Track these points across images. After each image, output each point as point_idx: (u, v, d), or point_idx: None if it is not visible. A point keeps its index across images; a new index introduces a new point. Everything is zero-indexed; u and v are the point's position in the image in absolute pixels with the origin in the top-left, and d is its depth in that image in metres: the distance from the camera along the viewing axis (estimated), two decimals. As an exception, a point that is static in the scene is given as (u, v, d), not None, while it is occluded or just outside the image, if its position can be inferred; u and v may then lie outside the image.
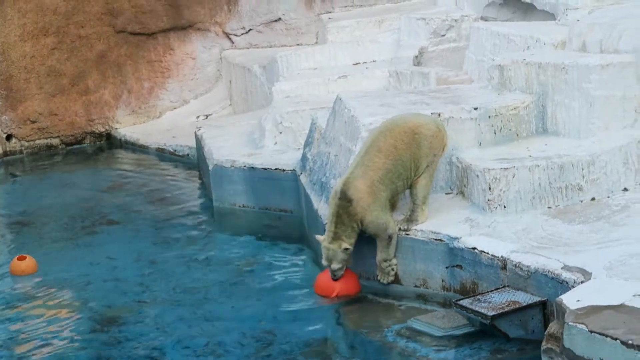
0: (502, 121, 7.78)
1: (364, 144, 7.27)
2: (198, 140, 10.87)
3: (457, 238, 6.89)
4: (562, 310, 5.47)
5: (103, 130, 13.00)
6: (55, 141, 12.81)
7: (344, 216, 6.98)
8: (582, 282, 5.86)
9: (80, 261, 8.57)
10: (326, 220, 7.15)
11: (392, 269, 7.14)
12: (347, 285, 7.23)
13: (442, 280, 7.02)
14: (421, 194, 7.18)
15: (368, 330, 6.76)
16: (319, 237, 7.16)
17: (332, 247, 7.03)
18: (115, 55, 12.87)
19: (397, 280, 7.23)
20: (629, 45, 7.68)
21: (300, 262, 8.21)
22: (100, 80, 12.83)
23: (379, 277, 7.19)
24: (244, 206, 9.56)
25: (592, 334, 5.12)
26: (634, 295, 5.44)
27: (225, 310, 7.28)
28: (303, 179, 8.73)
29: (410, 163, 7.11)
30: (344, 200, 6.96)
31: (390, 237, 7.04)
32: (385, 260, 7.12)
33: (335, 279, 7.15)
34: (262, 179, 9.36)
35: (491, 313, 6.14)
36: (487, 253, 6.63)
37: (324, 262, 7.13)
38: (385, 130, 7.17)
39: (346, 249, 7.02)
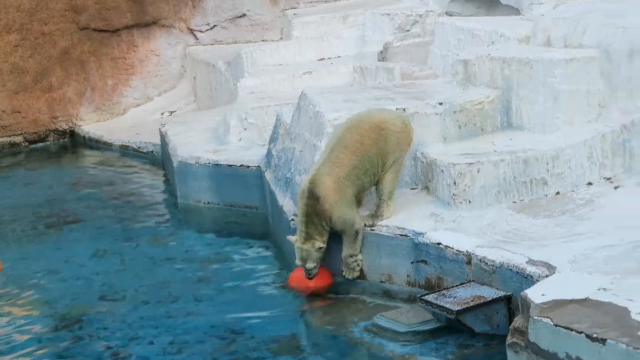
0: (466, 116, 7.77)
1: (329, 141, 7.24)
2: (162, 137, 10.82)
3: (422, 233, 6.87)
4: (527, 304, 5.45)
5: (66, 127, 12.90)
6: (18, 139, 12.70)
7: (313, 215, 6.95)
8: (546, 276, 5.85)
9: (44, 259, 8.49)
10: (297, 220, 7.11)
11: (358, 265, 7.11)
12: (322, 279, 7.21)
13: (407, 276, 6.99)
14: (387, 190, 7.16)
15: (334, 327, 6.73)
16: (291, 238, 7.12)
17: (306, 247, 7.00)
18: (79, 52, 12.76)
19: (362, 276, 7.20)
20: (593, 40, 7.70)
21: (266, 259, 8.17)
22: (63, 78, 12.73)
23: (344, 273, 7.16)
24: (208, 203, 9.49)
25: (557, 327, 5.11)
26: (599, 289, 5.45)
27: (190, 308, 7.23)
28: (268, 175, 8.69)
29: (377, 159, 7.08)
30: (312, 198, 6.93)
31: (356, 233, 7.02)
32: (352, 256, 7.09)
33: (310, 277, 7.12)
34: (226, 175, 9.29)
35: (456, 308, 6.13)
36: (452, 248, 6.61)
37: (298, 262, 7.08)
38: (352, 127, 7.14)
39: (320, 248, 7.00)
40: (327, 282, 7.22)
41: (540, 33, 8.26)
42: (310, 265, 7.04)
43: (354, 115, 7.33)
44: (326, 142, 7.34)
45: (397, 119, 7.22)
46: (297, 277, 7.26)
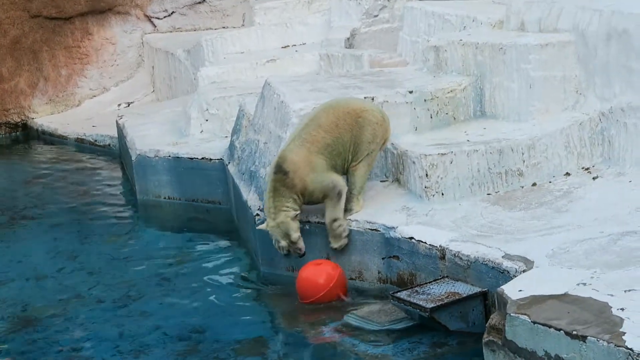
0: (438, 105, 7.78)
1: (301, 121, 7.19)
2: (120, 130, 10.80)
3: (393, 227, 6.80)
4: (503, 301, 5.38)
5: (19, 120, 12.91)
6: (-33, 133, 12.80)
7: (281, 189, 6.84)
8: (524, 271, 5.78)
9: (-5, 259, 8.46)
10: (264, 201, 6.98)
11: (344, 230, 6.96)
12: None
13: (379, 272, 6.91)
14: (358, 184, 7.10)
15: (302, 327, 6.64)
16: (262, 226, 7.01)
17: (280, 220, 6.86)
18: (31, 41, 12.72)
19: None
20: (568, 24, 7.68)
21: (230, 256, 8.11)
22: (14, 68, 12.69)
23: (331, 244, 6.99)
24: (169, 198, 9.47)
25: (535, 324, 5.05)
26: (578, 284, 5.38)
27: (152, 308, 7.14)
28: (231, 168, 8.62)
29: (350, 145, 7.03)
30: (280, 173, 6.85)
31: (339, 194, 6.92)
32: (335, 220, 6.94)
33: (301, 252, 6.94)
34: (188, 169, 9.25)
35: (430, 305, 6.05)
36: (425, 243, 6.54)
37: (282, 243, 6.92)
38: (328, 108, 7.12)
39: (295, 215, 6.87)
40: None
41: (513, 17, 8.25)
42: (294, 235, 6.88)
43: (332, 99, 7.33)
44: (297, 125, 7.27)
45: (377, 111, 7.19)
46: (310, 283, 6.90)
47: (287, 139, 7.16)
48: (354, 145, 7.03)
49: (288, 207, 6.86)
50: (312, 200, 6.98)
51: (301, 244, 6.94)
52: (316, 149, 6.92)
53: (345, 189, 6.94)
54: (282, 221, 6.85)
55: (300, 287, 6.87)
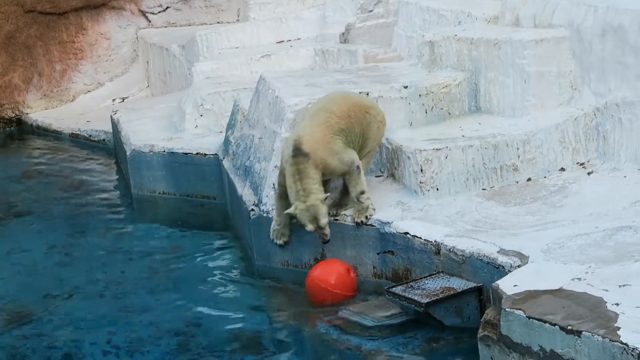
0: (433, 100, 7.76)
1: (309, 111, 7.12)
2: (114, 125, 10.74)
3: (388, 223, 6.78)
4: (498, 296, 5.39)
5: (13, 115, 12.83)
6: (-38, 128, 12.74)
7: (305, 170, 6.71)
8: (519, 266, 5.78)
9: (-11, 254, 8.42)
10: (288, 185, 6.81)
11: (371, 203, 6.92)
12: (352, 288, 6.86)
13: (374, 267, 6.90)
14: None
15: (298, 322, 6.63)
16: (289, 211, 6.83)
17: (310, 203, 6.71)
18: (25, 36, 12.66)
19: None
20: (563, 19, 7.66)
21: (225, 251, 8.08)
22: (9, 63, 12.61)
23: (356, 218, 6.91)
24: (164, 193, 9.40)
25: (530, 319, 5.06)
26: (573, 279, 5.38)
27: (146, 303, 7.12)
28: (226, 163, 8.59)
29: (360, 137, 7.00)
30: (300, 155, 6.71)
31: (358, 168, 6.88)
32: (362, 193, 6.88)
33: (327, 237, 6.81)
34: (182, 164, 9.19)
35: (425, 300, 6.04)
36: (420, 238, 6.52)
37: (309, 227, 6.76)
38: (337, 98, 7.10)
39: (325, 198, 6.76)
40: (354, 292, 6.88)
41: (508, 12, 8.23)
42: (324, 221, 6.74)
43: (336, 92, 7.31)
44: (304, 114, 7.21)
45: (380, 110, 7.20)
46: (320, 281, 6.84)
47: (297, 126, 7.08)
48: (362, 138, 7.01)
49: (317, 189, 6.72)
50: (332, 177, 6.91)
51: (328, 230, 6.81)
52: (331, 132, 6.84)
53: (361, 163, 6.91)
54: (312, 204, 6.70)
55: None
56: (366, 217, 6.86)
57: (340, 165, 6.84)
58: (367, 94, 7.52)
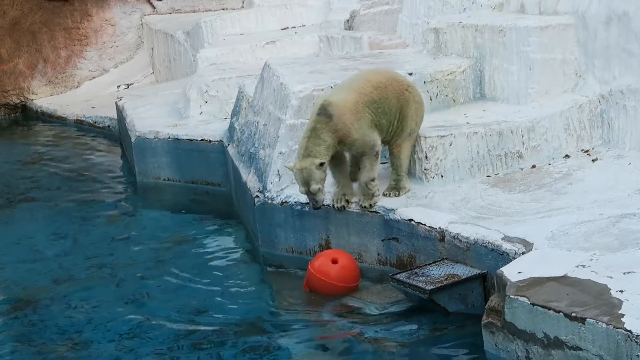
0: (438, 87, 7.75)
1: (348, 78, 7.03)
2: (119, 111, 10.73)
3: (392, 210, 6.76)
4: (502, 282, 5.38)
5: (18, 101, 12.86)
6: (-34, 114, 12.73)
7: (321, 131, 6.58)
8: (523, 253, 5.77)
9: (-5, 240, 8.42)
10: (299, 141, 6.80)
11: (378, 190, 6.88)
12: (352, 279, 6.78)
13: (378, 254, 6.88)
14: (405, 164, 6.96)
15: (302, 308, 6.63)
16: (288, 165, 6.81)
17: (304, 164, 6.60)
18: (30, 22, 12.66)
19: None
20: (568, 6, 7.65)
21: (229, 238, 8.08)
22: (14, 49, 12.62)
23: (361, 202, 6.86)
24: (168, 180, 9.42)
25: (534, 306, 5.06)
26: (577, 266, 5.38)
27: (151, 290, 7.12)
28: (231, 150, 8.57)
29: (397, 112, 6.85)
30: (324, 115, 6.59)
31: (377, 155, 6.79)
32: (373, 180, 6.81)
33: (317, 205, 6.76)
34: (187, 150, 9.20)
35: (429, 287, 6.03)
36: (425, 225, 6.50)
37: (300, 189, 6.71)
38: (376, 71, 7.05)
39: (321, 164, 6.60)
40: (356, 282, 6.83)
41: None
42: (314, 186, 6.64)
43: (379, 68, 7.21)
44: (343, 80, 7.15)
45: (418, 92, 7.12)
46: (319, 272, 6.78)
47: (332, 89, 7.00)
48: (400, 115, 6.87)
49: (319, 152, 6.59)
50: (348, 150, 6.76)
51: (319, 197, 6.70)
52: (363, 101, 6.71)
53: (380, 151, 6.81)
54: (306, 167, 6.60)
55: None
56: (370, 205, 6.83)
57: (361, 141, 6.69)
58: (372, 81, 7.53)
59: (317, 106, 6.66)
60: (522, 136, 7.15)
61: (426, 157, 7.02)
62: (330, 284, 6.63)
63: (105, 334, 6.43)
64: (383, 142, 6.90)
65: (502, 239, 6.00)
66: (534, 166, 7.15)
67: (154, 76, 12.82)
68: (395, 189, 6.92)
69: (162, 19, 12.90)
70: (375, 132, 6.77)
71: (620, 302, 4.89)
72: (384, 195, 6.87)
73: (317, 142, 6.59)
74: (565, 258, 5.52)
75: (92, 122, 11.83)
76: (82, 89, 12.93)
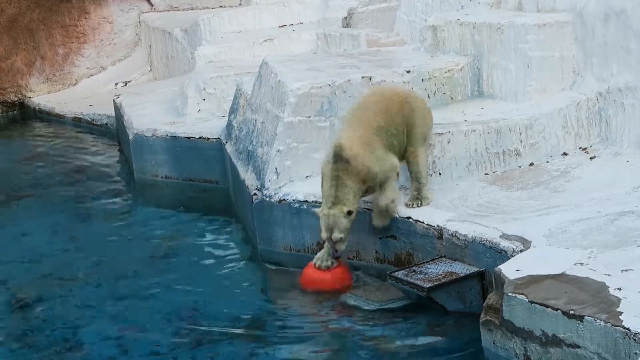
0: (435, 84, 7.75)
1: (348, 111, 6.93)
2: (117, 109, 10.73)
3: None
4: (501, 280, 5.38)
5: (16, 99, 12.84)
6: (-36, 111, 12.71)
7: (344, 178, 6.48)
8: (521, 251, 5.77)
9: (-8, 237, 8.41)
10: (322, 189, 6.65)
11: (397, 210, 6.73)
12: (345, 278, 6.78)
13: (376, 252, 6.87)
14: (423, 172, 6.81)
15: (300, 307, 6.63)
16: (315, 210, 6.68)
17: (333, 212, 6.48)
18: (27, 19, 12.63)
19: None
20: (566, 4, 7.64)
21: (227, 236, 8.08)
22: (11, 47, 12.60)
23: (377, 222, 6.74)
24: (166, 177, 9.40)
25: (533, 304, 5.05)
26: (575, 264, 5.37)
27: (149, 287, 7.11)
28: (229, 147, 8.56)
29: (403, 127, 6.75)
30: (341, 162, 6.49)
31: (398, 175, 6.70)
32: (394, 200, 6.68)
33: (336, 254, 6.65)
34: (185, 148, 9.18)
35: (427, 285, 6.03)
36: (422, 222, 6.50)
37: (323, 234, 6.59)
38: (374, 94, 6.92)
39: (349, 212, 6.49)
40: (349, 282, 6.81)
41: None
42: (337, 235, 6.51)
43: (374, 90, 7.07)
44: (344, 116, 6.99)
45: (420, 98, 7.05)
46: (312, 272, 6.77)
47: (339, 131, 6.85)
48: (407, 128, 6.76)
49: (348, 200, 6.46)
50: (374, 185, 6.59)
51: (339, 246, 6.57)
52: (369, 131, 6.62)
53: (399, 168, 6.71)
54: (334, 214, 6.48)
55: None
56: (384, 225, 6.70)
57: (381, 171, 6.57)
58: (370, 79, 7.50)
59: (330, 153, 6.54)
60: (520, 134, 7.14)
61: (424, 154, 7.01)
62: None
63: (102, 332, 6.42)
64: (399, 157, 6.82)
65: (500, 236, 5.99)
66: (532, 164, 7.14)
67: (152, 74, 12.80)
68: (418, 199, 6.77)
69: (160, 16, 12.88)
70: (390, 154, 6.66)
71: (619, 299, 4.88)
72: (407, 206, 6.72)
73: (345, 191, 6.46)
74: (563, 256, 5.51)
75: (89, 120, 11.83)
76: (80, 86, 12.91)
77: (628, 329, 4.62)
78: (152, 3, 13.05)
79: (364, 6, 10.75)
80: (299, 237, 7.17)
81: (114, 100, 10.88)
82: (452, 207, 6.59)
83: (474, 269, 6.09)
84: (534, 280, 5.25)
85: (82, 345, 6.27)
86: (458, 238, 6.21)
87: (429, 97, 7.65)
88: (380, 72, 7.67)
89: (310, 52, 10.27)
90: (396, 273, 6.26)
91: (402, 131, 6.74)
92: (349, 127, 6.68)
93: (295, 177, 7.35)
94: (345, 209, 6.43)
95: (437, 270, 6.17)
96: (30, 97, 12.77)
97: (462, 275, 6.06)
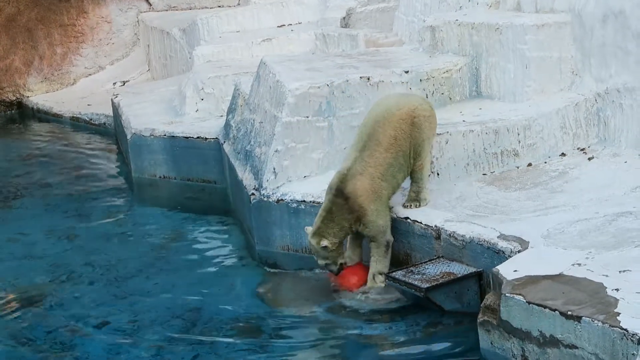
0: (434, 85, 7.74)
1: (359, 135, 6.73)
2: (115, 108, 10.73)
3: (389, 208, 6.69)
4: (498, 281, 5.39)
5: (14, 98, 12.84)
6: (-38, 111, 12.72)
7: (336, 213, 6.48)
8: (519, 251, 5.77)
9: (-9, 238, 8.40)
10: (318, 213, 6.66)
11: (383, 282, 6.61)
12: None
13: None
14: (425, 178, 6.76)
15: (297, 306, 6.63)
16: (307, 229, 6.67)
17: (312, 241, 6.54)
18: (26, 19, 12.64)
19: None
20: (564, 4, 7.64)
21: (225, 235, 8.08)
22: (9, 46, 12.61)
23: (367, 293, 6.66)
24: (164, 177, 9.41)
25: (530, 305, 5.06)
26: (573, 265, 5.37)
27: (147, 287, 7.12)
28: (227, 147, 8.56)
29: (411, 152, 6.66)
30: (340, 197, 6.46)
31: (387, 244, 6.57)
32: (381, 274, 6.58)
33: (333, 272, 6.65)
34: (183, 148, 9.18)
35: (425, 285, 6.02)
36: (420, 223, 6.49)
37: (313, 254, 6.67)
38: (382, 120, 6.63)
39: (324, 247, 6.51)
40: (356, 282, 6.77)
41: None
42: (320, 262, 6.59)
43: (381, 106, 6.78)
44: (354, 137, 6.82)
45: (425, 103, 6.85)
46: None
47: (345, 159, 6.71)
48: (414, 148, 6.66)
49: (329, 234, 6.46)
50: (361, 232, 6.55)
51: (333, 268, 6.59)
52: (379, 174, 6.52)
53: (391, 242, 6.58)
54: (313, 244, 6.51)
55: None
56: (371, 289, 6.61)
57: (373, 226, 6.50)
58: (368, 79, 7.48)
59: (333, 186, 6.50)
60: (519, 134, 7.14)
61: (422, 155, 7.01)
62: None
63: (100, 331, 6.42)
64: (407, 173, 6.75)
65: (498, 237, 5.99)
66: (530, 164, 7.14)
67: (150, 73, 12.81)
68: (416, 200, 6.73)
69: (158, 16, 12.89)
70: (388, 217, 6.55)
71: (616, 300, 4.88)
72: (404, 206, 6.71)
73: (330, 225, 6.47)
74: (561, 256, 5.51)
75: (87, 119, 11.82)
76: (78, 86, 12.92)
77: (626, 329, 4.62)
78: (150, 3, 13.05)
79: (362, 6, 10.75)
80: (296, 237, 7.15)
81: (112, 100, 10.87)
82: (450, 207, 6.58)
83: (471, 270, 6.09)
84: (531, 280, 5.24)
85: (80, 345, 6.26)
86: (456, 238, 6.20)
87: (427, 97, 7.64)
88: (379, 72, 7.66)
89: (308, 52, 10.27)
90: (394, 273, 6.25)
91: (410, 155, 6.65)
92: (358, 163, 6.52)
93: (293, 177, 7.35)
94: (323, 243, 6.46)
95: (435, 270, 6.17)
96: (28, 97, 12.77)
97: (459, 275, 6.06)
